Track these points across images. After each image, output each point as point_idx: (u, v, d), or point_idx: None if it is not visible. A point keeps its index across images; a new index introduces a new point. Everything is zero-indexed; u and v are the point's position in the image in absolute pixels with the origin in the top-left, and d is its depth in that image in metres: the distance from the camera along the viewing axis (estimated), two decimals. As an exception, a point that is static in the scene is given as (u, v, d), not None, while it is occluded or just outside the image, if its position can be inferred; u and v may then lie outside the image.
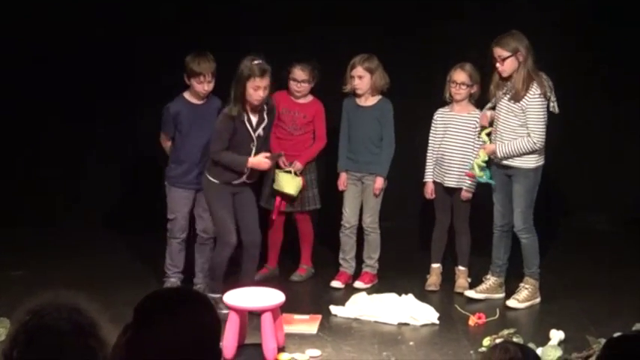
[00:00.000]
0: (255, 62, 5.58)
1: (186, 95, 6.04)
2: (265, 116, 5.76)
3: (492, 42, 5.84)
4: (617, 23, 7.32)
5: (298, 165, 6.27)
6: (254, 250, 5.86)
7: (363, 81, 6.25)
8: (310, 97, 6.37)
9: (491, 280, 6.23)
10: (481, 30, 6.84)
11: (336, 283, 6.43)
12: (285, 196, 6.34)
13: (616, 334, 5.04)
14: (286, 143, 6.32)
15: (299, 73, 6.24)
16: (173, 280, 6.20)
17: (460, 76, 6.19)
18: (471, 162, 6.09)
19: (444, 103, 6.35)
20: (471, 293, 6.23)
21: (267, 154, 5.75)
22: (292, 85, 6.28)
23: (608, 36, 7.35)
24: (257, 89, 5.57)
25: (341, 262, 6.52)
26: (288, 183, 6.26)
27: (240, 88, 5.59)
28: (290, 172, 6.28)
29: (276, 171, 6.28)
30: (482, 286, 6.24)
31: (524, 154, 5.88)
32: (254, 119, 5.72)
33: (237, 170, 5.70)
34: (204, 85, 5.94)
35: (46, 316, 2.19)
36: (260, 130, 5.74)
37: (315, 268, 6.61)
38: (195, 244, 6.18)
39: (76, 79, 7.31)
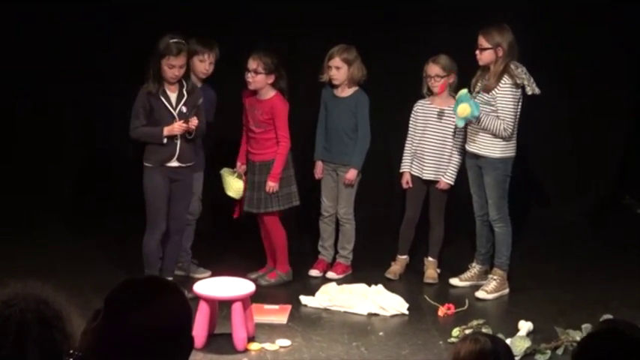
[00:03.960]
0: (173, 40, 5.57)
1: None
2: (185, 93, 5.72)
3: (480, 29, 5.86)
4: (582, 20, 7.41)
5: (271, 184, 6.00)
6: (177, 237, 5.90)
7: (340, 72, 6.22)
8: (271, 94, 6.02)
9: (476, 269, 6.29)
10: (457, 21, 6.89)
11: (314, 272, 6.43)
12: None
13: (590, 328, 5.13)
14: (251, 140, 6.13)
15: (250, 61, 5.93)
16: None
17: (433, 69, 6.20)
18: (449, 155, 6.23)
19: (422, 95, 6.36)
20: (455, 281, 6.29)
21: (181, 121, 5.66)
22: (245, 75, 5.98)
23: (572, 32, 7.43)
24: (172, 67, 5.58)
25: (320, 249, 6.52)
26: (229, 185, 6.16)
27: (155, 65, 5.59)
28: (234, 172, 6.17)
29: (222, 172, 6.19)
30: (467, 274, 6.30)
31: (490, 132, 5.88)
32: (173, 95, 5.70)
33: (156, 142, 5.65)
34: (205, 65, 5.95)
35: (12, 307, 2.18)
36: (182, 107, 5.71)
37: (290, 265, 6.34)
38: None
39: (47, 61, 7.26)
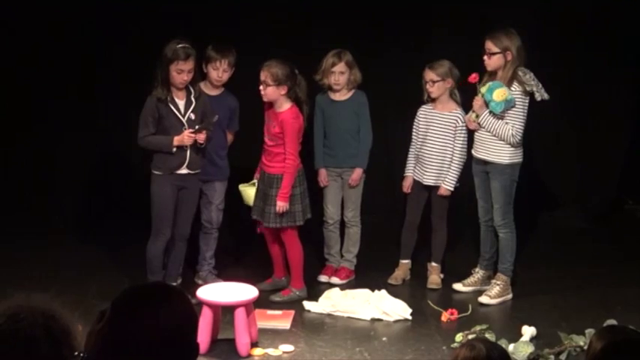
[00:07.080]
0: (180, 45, 5.60)
1: (202, 85, 6.01)
2: (193, 99, 5.74)
3: (486, 34, 5.86)
4: (582, 23, 7.42)
5: (280, 204, 5.83)
6: (181, 243, 5.92)
7: (344, 76, 6.24)
8: (286, 106, 5.85)
9: (479, 274, 6.30)
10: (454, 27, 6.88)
11: (323, 278, 6.44)
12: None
13: (593, 333, 5.12)
14: (265, 152, 6.00)
15: (260, 73, 5.81)
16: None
17: (429, 75, 6.21)
18: (449, 161, 6.19)
19: (424, 102, 6.37)
20: (458, 286, 6.30)
21: (191, 129, 5.66)
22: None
23: (572, 36, 7.44)
24: (180, 72, 5.60)
25: (326, 256, 6.53)
26: (253, 198, 6.09)
27: (164, 71, 5.61)
28: (254, 184, 6.10)
29: (240, 187, 6.14)
30: (470, 279, 6.31)
31: (499, 137, 5.89)
32: (181, 103, 5.71)
33: (165, 151, 5.67)
34: (218, 72, 5.99)
35: (20, 322, 2.13)
36: (190, 114, 5.72)
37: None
38: (200, 233, 6.25)
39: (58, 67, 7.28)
